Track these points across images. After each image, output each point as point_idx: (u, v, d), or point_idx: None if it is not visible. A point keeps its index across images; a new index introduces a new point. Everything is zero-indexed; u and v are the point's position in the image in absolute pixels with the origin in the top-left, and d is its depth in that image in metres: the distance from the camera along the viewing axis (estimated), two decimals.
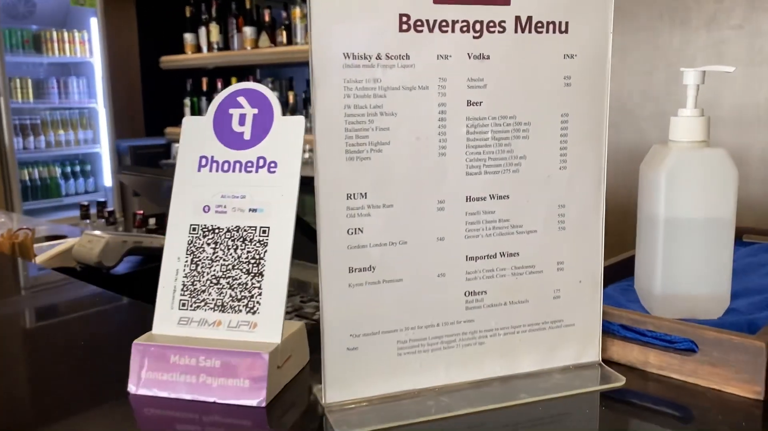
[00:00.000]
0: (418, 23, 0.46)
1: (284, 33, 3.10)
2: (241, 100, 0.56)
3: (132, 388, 0.51)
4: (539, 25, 0.49)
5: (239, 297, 0.53)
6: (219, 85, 3.49)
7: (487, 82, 0.49)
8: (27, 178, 4.07)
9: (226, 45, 3.45)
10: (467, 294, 0.51)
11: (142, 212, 1.68)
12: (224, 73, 3.53)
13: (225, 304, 0.53)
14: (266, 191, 0.54)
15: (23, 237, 1.21)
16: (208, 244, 0.54)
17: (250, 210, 0.54)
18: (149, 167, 3.26)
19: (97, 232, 1.20)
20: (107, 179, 4.20)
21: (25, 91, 4.13)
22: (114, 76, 4.16)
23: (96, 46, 4.17)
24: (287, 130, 0.55)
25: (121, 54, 4.20)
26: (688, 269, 0.60)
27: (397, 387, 0.50)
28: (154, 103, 4.06)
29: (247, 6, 3.29)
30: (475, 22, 0.47)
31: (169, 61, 3.67)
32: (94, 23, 4.13)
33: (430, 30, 0.47)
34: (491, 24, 0.48)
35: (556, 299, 0.54)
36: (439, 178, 0.49)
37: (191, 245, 0.55)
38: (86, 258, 1.18)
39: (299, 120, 0.55)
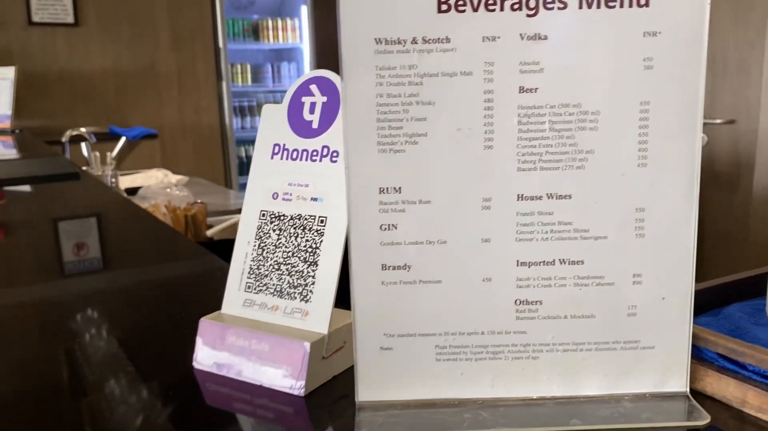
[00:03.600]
0: (460, 2, 0.42)
1: None
2: (313, 88, 0.56)
3: (195, 363, 0.55)
4: None
5: (295, 284, 0.53)
6: None
7: (544, 66, 0.43)
8: (243, 154, 4.51)
9: None
10: (518, 302, 0.46)
11: None
12: None
13: (283, 290, 0.54)
14: (327, 181, 0.53)
15: (195, 210, 1.34)
16: (274, 230, 0.55)
17: (311, 199, 0.54)
18: None
19: None
20: None
21: (245, 76, 4.57)
22: (320, 61, 4.43)
23: (305, 33, 4.48)
24: None
25: (327, 40, 4.46)
26: None
27: (435, 394, 0.47)
28: None
29: None
30: None
31: None
32: (305, 11, 4.42)
33: (474, 9, 0.42)
34: None
35: (630, 317, 0.46)
36: (484, 174, 0.44)
37: (260, 230, 0.56)
38: None
39: None
